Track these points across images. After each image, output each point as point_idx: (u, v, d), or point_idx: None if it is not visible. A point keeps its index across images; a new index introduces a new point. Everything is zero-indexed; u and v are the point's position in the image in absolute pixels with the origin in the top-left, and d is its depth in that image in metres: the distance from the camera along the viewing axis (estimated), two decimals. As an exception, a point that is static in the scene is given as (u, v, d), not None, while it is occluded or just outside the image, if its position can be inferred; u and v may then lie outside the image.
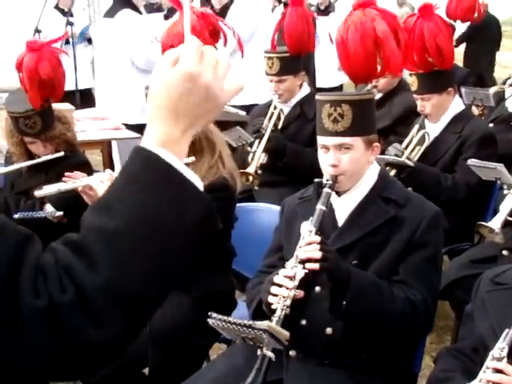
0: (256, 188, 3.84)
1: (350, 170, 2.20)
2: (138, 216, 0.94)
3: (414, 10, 11.19)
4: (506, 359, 1.80)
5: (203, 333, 2.61)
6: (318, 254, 2.05)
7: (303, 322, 2.21)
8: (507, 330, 1.82)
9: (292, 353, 2.21)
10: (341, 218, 2.27)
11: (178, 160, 0.97)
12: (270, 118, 3.91)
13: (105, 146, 5.10)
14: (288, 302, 2.04)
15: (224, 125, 4.98)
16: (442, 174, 3.44)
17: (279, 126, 3.89)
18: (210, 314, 2.03)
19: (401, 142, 3.64)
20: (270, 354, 1.96)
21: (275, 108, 3.91)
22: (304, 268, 2.05)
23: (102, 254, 0.93)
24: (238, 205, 3.26)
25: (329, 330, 2.17)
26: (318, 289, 2.20)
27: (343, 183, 2.23)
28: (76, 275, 0.92)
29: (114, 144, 5.24)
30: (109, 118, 5.21)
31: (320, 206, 2.14)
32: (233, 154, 4.34)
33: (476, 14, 4.61)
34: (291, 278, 2.05)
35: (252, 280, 2.48)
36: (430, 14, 3.41)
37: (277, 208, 2.65)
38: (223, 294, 2.70)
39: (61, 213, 3.05)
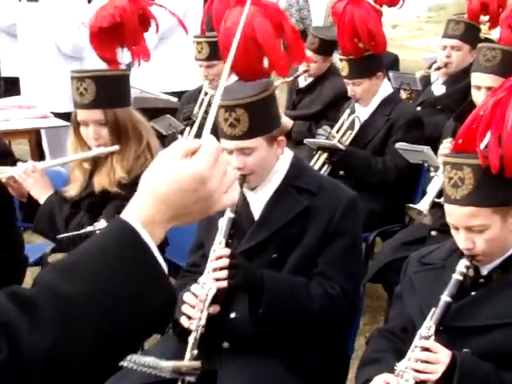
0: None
1: (257, 169, 2.16)
2: (101, 291, 0.90)
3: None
4: (433, 337, 1.84)
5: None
6: (224, 274, 2.04)
7: (232, 314, 2.19)
8: (434, 308, 1.86)
9: (225, 344, 2.19)
10: (256, 211, 2.24)
11: (155, 244, 0.95)
12: (201, 105, 3.87)
13: (32, 135, 4.93)
14: (202, 322, 2.03)
15: (156, 112, 4.93)
16: (372, 157, 3.49)
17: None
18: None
19: (332, 127, 3.67)
20: (190, 379, 1.94)
21: (206, 94, 3.87)
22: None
23: (51, 319, 0.87)
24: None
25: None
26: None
27: (253, 181, 2.19)
28: (15, 336, 0.85)
29: (43, 133, 5.09)
30: (35, 107, 5.03)
31: (228, 214, 2.10)
32: (163, 143, 4.31)
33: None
34: (205, 296, 2.05)
35: (177, 281, 2.46)
36: (359, 0, 3.44)
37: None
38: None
39: None
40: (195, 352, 2.02)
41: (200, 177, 0.94)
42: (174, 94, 5.09)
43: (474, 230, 1.85)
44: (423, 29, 23.79)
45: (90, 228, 2.41)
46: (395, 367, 1.86)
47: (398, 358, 1.91)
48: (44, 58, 4.99)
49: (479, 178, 1.81)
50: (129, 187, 2.44)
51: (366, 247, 3.48)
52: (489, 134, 1.83)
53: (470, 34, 3.89)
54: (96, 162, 2.55)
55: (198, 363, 1.91)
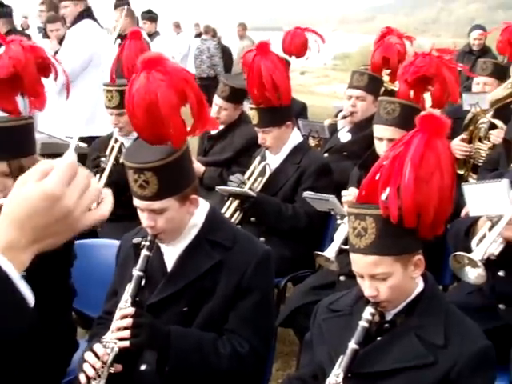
0: (99, 229, 3.72)
1: (168, 228, 2.15)
2: None
3: (254, 44, 11.61)
4: (341, 384, 1.89)
5: (41, 376, 2.48)
6: (127, 333, 2.04)
7: (142, 366, 2.18)
8: (342, 356, 1.92)
9: None
10: (170, 263, 2.24)
11: (16, 270, 0.94)
12: (111, 152, 3.84)
13: None
14: (102, 382, 2.03)
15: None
16: (282, 204, 3.57)
17: (120, 160, 3.82)
18: None
19: (243, 173, 3.73)
20: None
21: (116, 141, 3.85)
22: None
23: None
24: (80, 241, 3.16)
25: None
26: None
27: (165, 239, 2.20)
28: None
29: None
30: None
31: (137, 272, 2.11)
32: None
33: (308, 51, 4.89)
34: (107, 355, 2.05)
35: (92, 329, 2.42)
36: (266, 52, 3.56)
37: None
38: (64, 334, 2.58)
39: None
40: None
41: (51, 195, 0.94)
42: (83, 139, 5.04)
43: (377, 278, 1.93)
44: (330, 76, 24.80)
45: None
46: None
47: (308, 405, 1.95)
48: None
49: (381, 227, 1.90)
50: None
51: (277, 292, 3.53)
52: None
53: (373, 86, 4.10)
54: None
55: None
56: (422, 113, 2.70)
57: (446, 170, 1.89)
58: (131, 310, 2.06)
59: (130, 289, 2.12)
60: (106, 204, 1.01)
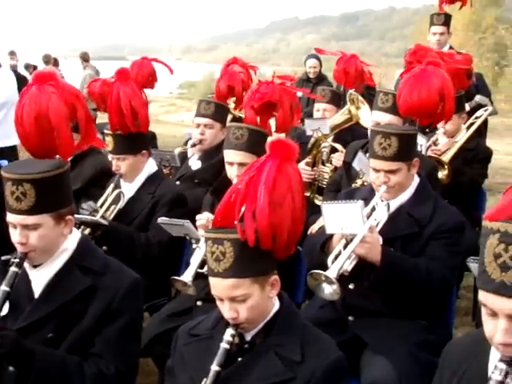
0: None
1: (40, 246, 2.13)
2: None
3: (98, 72, 11.40)
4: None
5: None
6: None
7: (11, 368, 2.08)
8: (205, 379, 1.93)
9: None
10: (37, 289, 2.19)
11: None
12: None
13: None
14: None
15: None
16: (135, 233, 3.53)
17: None
18: None
19: (96, 202, 3.65)
20: None
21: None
22: None
23: None
24: None
25: None
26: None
27: (35, 259, 2.16)
28: None
29: None
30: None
31: (4, 288, 2.05)
32: None
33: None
34: None
35: None
36: (126, 78, 3.54)
37: None
38: None
39: None
40: None
41: None
42: None
43: (237, 300, 1.98)
44: (176, 104, 24.91)
45: None
46: None
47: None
48: None
49: (239, 251, 1.95)
50: None
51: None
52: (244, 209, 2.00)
53: (220, 113, 4.20)
54: None
55: None
56: (270, 138, 2.84)
57: (297, 193, 1.99)
58: None
59: None
60: None
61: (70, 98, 2.12)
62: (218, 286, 1.98)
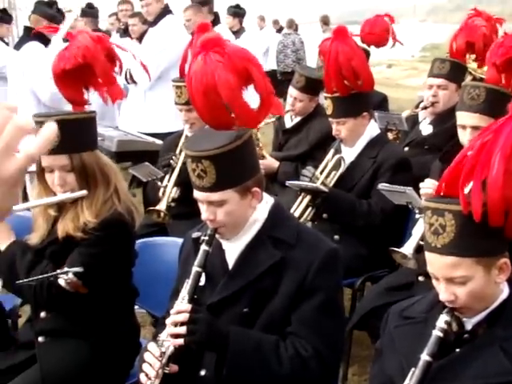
0: (169, 221, 3.67)
1: (229, 222, 2.02)
2: None
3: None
4: (413, 400, 1.69)
5: (103, 379, 2.43)
6: (183, 330, 1.91)
7: (202, 372, 2.05)
8: (413, 368, 1.72)
9: None
10: (231, 260, 2.11)
11: None
12: (181, 150, 3.76)
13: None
14: (157, 383, 1.93)
15: (141, 154, 4.83)
16: (357, 200, 3.37)
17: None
18: None
19: (317, 167, 3.55)
20: None
21: (186, 138, 3.76)
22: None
23: None
24: (146, 239, 3.10)
25: None
26: None
27: (225, 234, 2.07)
28: None
29: (26, 177, 5.00)
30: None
31: (196, 268, 2.00)
32: (145, 190, 4.18)
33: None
34: (161, 354, 1.94)
35: (156, 329, 2.33)
36: (344, 37, 3.37)
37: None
38: (125, 337, 2.50)
39: None
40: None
41: None
42: (157, 135, 5.02)
43: (455, 282, 1.71)
44: (418, 68, 24.01)
45: (50, 273, 2.27)
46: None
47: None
48: (27, 108, 4.91)
49: (461, 225, 1.68)
50: (96, 231, 2.32)
51: (352, 292, 3.34)
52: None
53: (456, 73, 3.81)
54: (61, 209, 2.43)
55: None
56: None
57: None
58: (187, 306, 1.94)
59: (187, 286, 2.00)
60: (38, 139, 0.82)
61: (241, 64, 1.95)
62: (435, 263, 1.73)
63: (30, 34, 4.90)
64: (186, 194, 3.64)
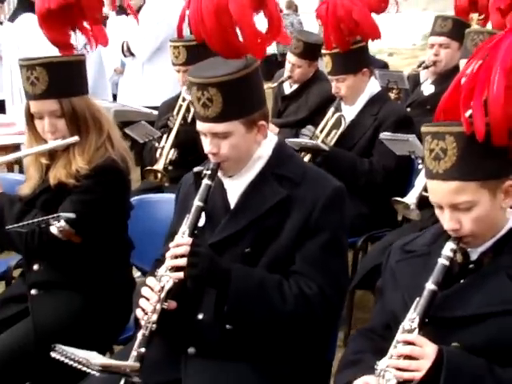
0: (166, 184, 3.61)
1: (232, 156, 1.95)
2: None
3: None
4: (417, 330, 1.61)
5: (97, 332, 2.36)
6: (183, 262, 1.83)
7: (200, 316, 1.98)
8: (418, 298, 1.64)
9: (190, 350, 1.97)
10: (233, 199, 2.03)
11: None
12: (179, 111, 3.69)
13: (10, 151, 4.79)
14: (154, 318, 1.85)
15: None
16: (358, 158, 3.31)
17: (188, 119, 3.66)
18: (53, 346, 1.75)
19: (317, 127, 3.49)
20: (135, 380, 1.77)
21: (184, 100, 3.69)
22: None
23: None
24: (142, 196, 3.05)
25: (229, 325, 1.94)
26: None
27: (228, 169, 1.99)
28: None
29: (22, 148, 4.96)
30: (15, 124, 4.92)
31: (197, 203, 1.92)
32: (141, 150, 4.13)
33: None
34: (160, 289, 1.86)
35: (149, 272, 2.25)
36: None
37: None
38: (120, 289, 2.44)
39: None
40: (142, 351, 1.81)
41: None
42: (156, 108, 4.96)
43: (460, 208, 1.64)
44: (419, 56, 23.88)
45: (41, 218, 2.20)
46: (376, 366, 1.63)
47: (378, 357, 1.67)
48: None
49: (464, 147, 1.60)
50: (88, 178, 2.25)
51: (353, 252, 3.27)
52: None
53: (458, 31, 3.71)
54: (53, 156, 2.36)
55: (136, 365, 1.73)
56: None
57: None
58: (187, 240, 1.86)
59: (188, 221, 1.92)
60: None
61: None
62: (438, 191, 1.65)
63: (26, 5, 4.82)
64: (184, 158, 3.59)
